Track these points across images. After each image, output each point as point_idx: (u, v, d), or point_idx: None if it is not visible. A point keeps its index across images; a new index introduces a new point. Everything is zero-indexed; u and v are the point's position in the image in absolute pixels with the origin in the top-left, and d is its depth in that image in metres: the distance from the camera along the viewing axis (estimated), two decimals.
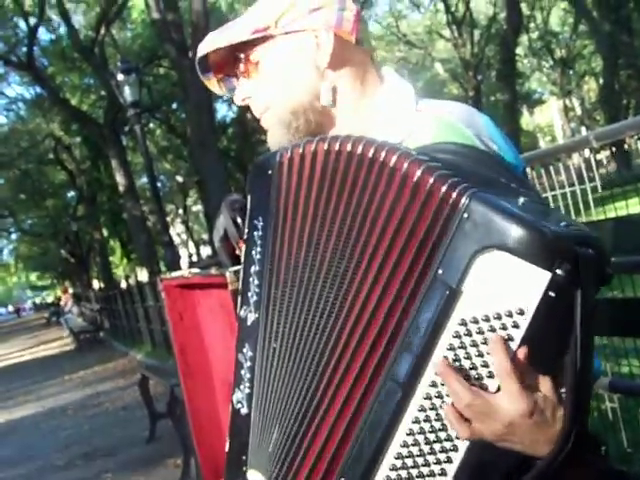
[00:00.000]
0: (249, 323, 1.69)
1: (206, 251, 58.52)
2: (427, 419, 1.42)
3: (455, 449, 1.40)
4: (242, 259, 1.73)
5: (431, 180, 1.39)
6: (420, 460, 1.43)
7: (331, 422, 1.53)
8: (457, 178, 1.38)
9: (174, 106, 40.11)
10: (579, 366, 1.31)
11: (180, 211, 59.00)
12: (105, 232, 45.04)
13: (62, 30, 35.92)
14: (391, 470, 1.46)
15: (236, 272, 2.09)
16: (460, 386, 1.36)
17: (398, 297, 1.44)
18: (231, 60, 1.93)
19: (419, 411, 1.42)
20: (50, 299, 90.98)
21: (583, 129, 49.72)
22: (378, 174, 1.47)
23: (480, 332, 1.34)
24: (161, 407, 8.91)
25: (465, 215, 1.35)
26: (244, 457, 1.69)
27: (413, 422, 1.43)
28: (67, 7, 32.49)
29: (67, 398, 14.96)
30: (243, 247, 1.73)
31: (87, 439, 10.53)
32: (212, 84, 2.08)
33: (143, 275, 27.22)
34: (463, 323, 1.36)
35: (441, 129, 1.71)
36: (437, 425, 1.41)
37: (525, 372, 1.34)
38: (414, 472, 1.44)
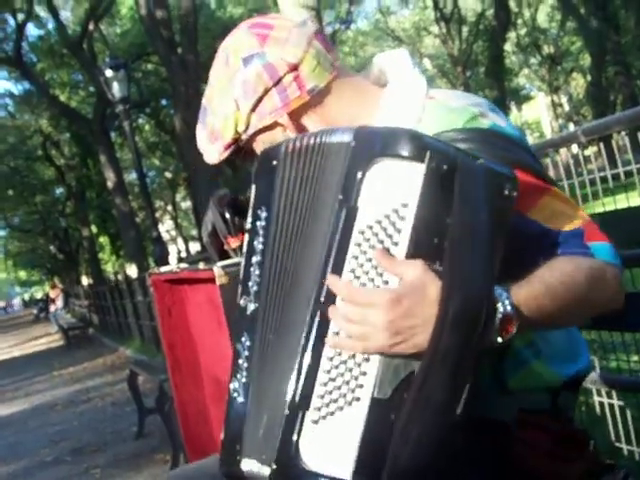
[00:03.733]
0: (248, 313, 1.72)
1: (195, 247, 58.46)
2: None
3: (367, 360, 1.52)
4: (245, 247, 1.76)
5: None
6: (340, 380, 1.54)
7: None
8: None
9: (163, 102, 40.02)
10: (456, 244, 1.45)
11: (169, 207, 58.94)
12: (94, 228, 44.89)
13: (50, 26, 35.86)
14: (321, 385, 1.55)
15: (224, 267, 2.10)
16: (339, 318, 1.51)
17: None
18: None
19: (335, 335, 1.54)
20: (39, 295, 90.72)
21: (571, 125, 49.77)
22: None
23: (375, 235, 1.52)
24: (150, 403, 8.87)
25: (352, 144, 1.58)
26: (238, 446, 1.70)
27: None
28: (55, 3, 32.39)
29: (56, 394, 14.90)
30: (246, 236, 1.76)
31: (76, 435, 10.48)
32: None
33: (132, 271, 27.12)
34: (361, 232, 1.53)
35: (444, 114, 1.82)
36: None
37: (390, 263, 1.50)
38: (338, 391, 1.54)
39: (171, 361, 2.85)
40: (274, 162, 1.73)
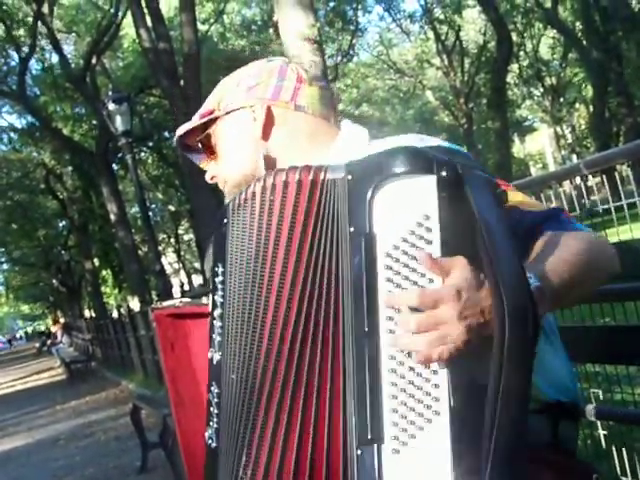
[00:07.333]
0: (215, 363, 1.77)
1: (198, 280, 58.45)
2: (401, 363, 1.49)
3: (435, 372, 1.47)
4: (209, 304, 1.82)
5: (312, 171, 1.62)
6: (411, 401, 1.48)
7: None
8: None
9: (166, 135, 40.12)
10: (490, 247, 1.39)
11: (172, 240, 58.96)
12: (97, 261, 44.93)
13: (54, 60, 36.04)
14: (392, 412, 1.49)
15: None
16: (406, 313, 1.45)
17: (329, 276, 1.58)
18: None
19: (390, 359, 1.49)
20: (42, 328, 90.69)
21: (574, 156, 49.88)
22: (289, 194, 1.63)
23: (405, 253, 1.49)
24: (153, 437, 8.87)
25: (349, 177, 1.56)
26: None
27: (389, 371, 1.49)
28: (58, 37, 32.55)
29: (59, 428, 14.87)
30: (210, 295, 1.82)
31: (79, 470, 10.45)
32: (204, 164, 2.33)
33: (135, 304, 27.12)
34: (388, 255, 1.50)
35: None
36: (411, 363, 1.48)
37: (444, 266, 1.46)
38: (410, 413, 1.48)
39: (174, 395, 2.84)
40: (224, 220, 1.77)
